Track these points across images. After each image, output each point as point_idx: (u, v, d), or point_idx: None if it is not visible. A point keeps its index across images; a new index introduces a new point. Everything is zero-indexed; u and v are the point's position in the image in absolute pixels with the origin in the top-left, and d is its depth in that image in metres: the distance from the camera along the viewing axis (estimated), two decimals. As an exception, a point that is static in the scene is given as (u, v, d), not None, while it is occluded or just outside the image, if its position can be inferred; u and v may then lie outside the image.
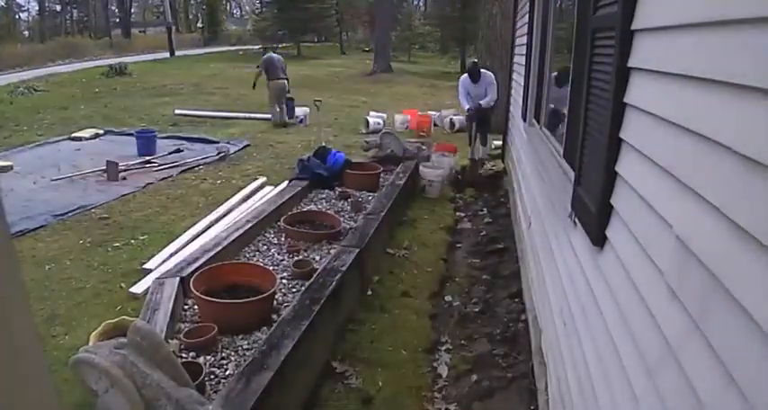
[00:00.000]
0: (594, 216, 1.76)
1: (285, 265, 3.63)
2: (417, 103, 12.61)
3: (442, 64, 26.61)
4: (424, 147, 7.04)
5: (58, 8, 43.27)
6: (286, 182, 5.54)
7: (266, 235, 4.16)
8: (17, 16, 42.30)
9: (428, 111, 10.52)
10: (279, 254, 3.84)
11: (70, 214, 5.09)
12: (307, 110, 10.20)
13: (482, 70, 7.11)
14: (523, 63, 5.11)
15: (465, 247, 4.79)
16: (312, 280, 3.12)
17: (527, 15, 5.18)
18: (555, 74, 3.92)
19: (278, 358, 2.30)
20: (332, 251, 3.72)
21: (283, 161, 7.21)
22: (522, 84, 5.12)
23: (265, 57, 9.95)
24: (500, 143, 7.57)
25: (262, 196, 5.53)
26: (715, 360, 0.89)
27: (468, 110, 7.10)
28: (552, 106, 3.97)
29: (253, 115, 10.67)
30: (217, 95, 13.49)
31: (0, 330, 0.40)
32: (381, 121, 9.65)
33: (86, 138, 8.36)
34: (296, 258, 3.70)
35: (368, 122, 9.57)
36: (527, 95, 4.73)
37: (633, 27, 1.53)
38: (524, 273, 3.83)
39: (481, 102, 6.94)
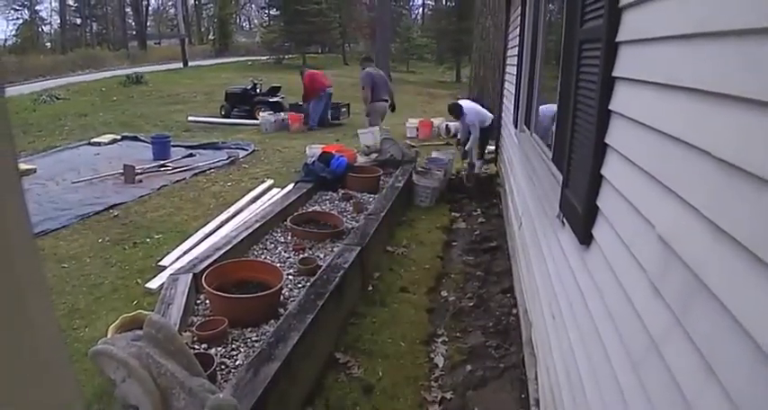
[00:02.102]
0: (581, 216, 1.76)
1: (291, 262, 3.62)
2: (415, 110, 12.60)
3: (439, 74, 26.63)
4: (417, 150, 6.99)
5: (79, 21, 43.28)
6: (292, 185, 5.54)
7: (273, 234, 4.16)
8: (40, 29, 42.33)
9: (426, 117, 10.48)
10: (285, 251, 3.84)
11: (90, 214, 5.09)
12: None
13: (466, 107, 6.36)
14: (515, 73, 5.11)
15: (460, 245, 4.78)
16: (316, 276, 3.12)
17: (518, 28, 5.18)
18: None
19: (284, 349, 2.30)
20: (335, 249, 3.72)
21: (289, 165, 7.20)
22: (513, 92, 5.12)
23: (366, 72, 7.85)
24: (493, 148, 7.53)
25: (269, 198, 5.53)
26: (696, 354, 0.89)
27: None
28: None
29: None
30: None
31: (24, 323, 0.40)
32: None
33: (105, 144, 8.37)
34: (301, 256, 3.70)
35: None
36: (518, 103, 4.73)
37: (618, 39, 1.53)
38: (515, 270, 3.83)
39: (467, 139, 6.41)
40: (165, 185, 6.20)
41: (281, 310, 2.91)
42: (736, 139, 0.85)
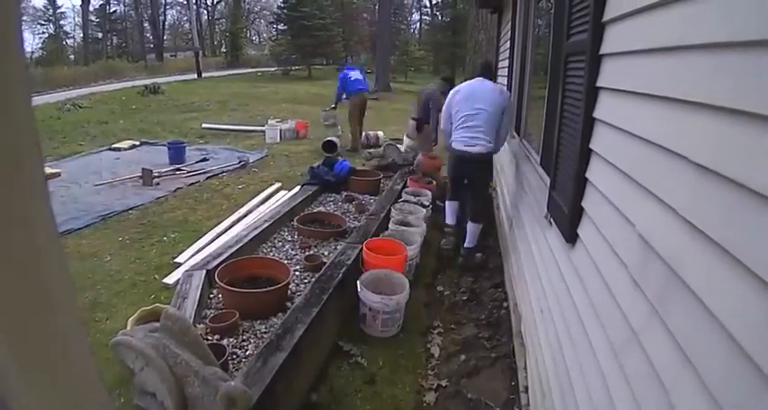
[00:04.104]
0: (567, 217, 1.76)
1: (298, 259, 3.62)
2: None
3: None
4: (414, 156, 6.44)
5: (100, 35, 43.34)
6: (298, 187, 5.54)
7: (281, 233, 4.16)
8: (64, 42, 42.34)
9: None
10: (292, 249, 3.84)
11: (110, 215, 5.09)
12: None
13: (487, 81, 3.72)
14: (506, 83, 5.11)
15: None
16: (321, 272, 3.12)
17: (508, 42, 5.18)
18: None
19: (291, 340, 2.30)
20: (338, 247, 3.72)
21: (296, 168, 7.20)
22: (505, 101, 5.11)
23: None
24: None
25: (277, 199, 5.53)
26: (673, 341, 0.89)
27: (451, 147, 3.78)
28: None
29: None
30: (239, 111, 13.48)
31: (49, 316, 0.41)
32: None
33: (124, 149, 8.36)
34: (307, 253, 3.70)
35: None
36: (508, 111, 4.72)
37: (601, 52, 1.54)
38: (506, 267, 3.83)
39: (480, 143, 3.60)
40: (180, 188, 6.20)
41: (289, 304, 2.90)
42: (710, 145, 0.85)
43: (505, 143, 4.21)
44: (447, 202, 4.22)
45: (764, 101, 0.69)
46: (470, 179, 3.92)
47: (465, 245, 4.06)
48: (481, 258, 4.08)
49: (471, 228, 4.00)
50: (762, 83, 0.70)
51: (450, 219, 4.21)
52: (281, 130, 9.63)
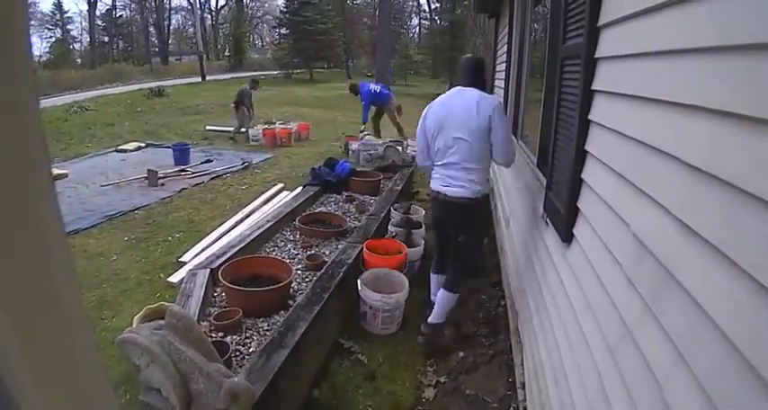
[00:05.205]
0: (563, 217, 1.76)
1: (299, 259, 3.62)
2: (413, 119, 12.62)
3: (434, 87, 26.65)
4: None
5: (106, 39, 43.32)
6: (300, 188, 5.53)
7: (283, 233, 4.15)
8: (71, 46, 42.31)
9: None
10: (294, 249, 3.83)
11: (116, 215, 5.09)
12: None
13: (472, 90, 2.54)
14: (502, 86, 5.11)
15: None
16: (322, 271, 3.11)
17: (505, 46, 5.18)
18: None
19: (293, 337, 2.30)
20: (339, 246, 3.71)
21: (298, 169, 7.20)
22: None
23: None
24: None
25: (280, 199, 5.53)
26: (667, 339, 0.89)
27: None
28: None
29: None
30: (241, 114, 13.47)
31: (55, 314, 0.40)
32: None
33: (130, 150, 8.37)
34: (309, 252, 3.69)
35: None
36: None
37: (596, 55, 1.54)
38: (504, 265, 3.82)
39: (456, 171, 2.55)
40: (185, 188, 6.20)
41: (291, 302, 2.90)
42: (703, 146, 0.85)
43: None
44: (431, 275, 3.13)
45: (760, 104, 0.69)
46: (452, 227, 2.81)
47: (429, 319, 2.86)
48: (450, 336, 2.92)
49: (442, 299, 2.83)
50: (758, 85, 0.70)
51: (434, 296, 3.03)
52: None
